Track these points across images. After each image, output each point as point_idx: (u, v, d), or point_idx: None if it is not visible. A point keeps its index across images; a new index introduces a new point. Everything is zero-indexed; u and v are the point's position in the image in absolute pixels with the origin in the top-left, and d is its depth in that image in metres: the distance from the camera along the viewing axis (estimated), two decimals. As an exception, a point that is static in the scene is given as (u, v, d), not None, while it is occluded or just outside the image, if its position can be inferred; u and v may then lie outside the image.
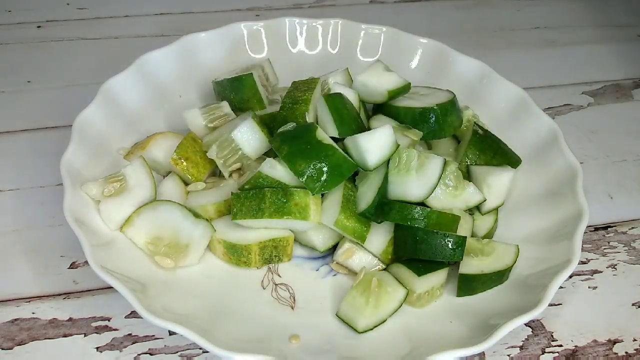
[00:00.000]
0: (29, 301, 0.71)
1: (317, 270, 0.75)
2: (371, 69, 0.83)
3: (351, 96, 0.79)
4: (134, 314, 0.70)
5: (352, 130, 0.74)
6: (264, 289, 0.72)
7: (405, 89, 0.82)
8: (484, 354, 0.69)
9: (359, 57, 0.98)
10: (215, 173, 0.81)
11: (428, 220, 0.70)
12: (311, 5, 1.19)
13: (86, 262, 0.72)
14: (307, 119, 0.76)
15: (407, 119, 0.79)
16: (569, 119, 0.99)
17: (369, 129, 0.78)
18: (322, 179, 0.70)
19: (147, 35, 1.09)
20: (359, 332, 0.68)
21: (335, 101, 0.75)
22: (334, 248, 0.76)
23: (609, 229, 0.84)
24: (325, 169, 0.70)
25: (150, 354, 0.67)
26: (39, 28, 1.09)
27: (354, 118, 0.76)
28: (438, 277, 0.71)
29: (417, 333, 0.68)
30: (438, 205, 0.73)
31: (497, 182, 0.76)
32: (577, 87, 1.06)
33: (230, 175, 0.78)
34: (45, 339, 0.68)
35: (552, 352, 0.70)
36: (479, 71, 0.92)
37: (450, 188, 0.74)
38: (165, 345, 0.68)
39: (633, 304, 0.75)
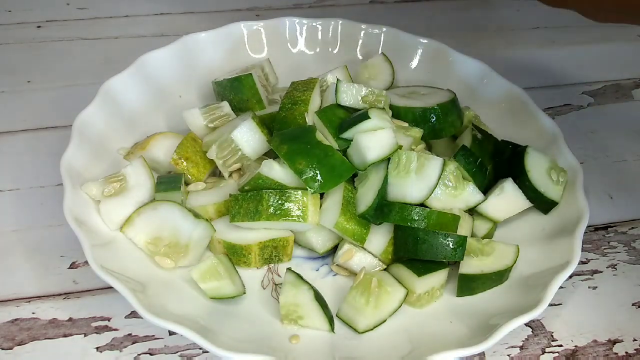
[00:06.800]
0: (29, 301, 0.71)
1: (317, 270, 0.75)
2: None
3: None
4: (134, 314, 0.70)
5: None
6: (264, 289, 0.72)
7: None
8: (484, 354, 0.69)
9: (359, 57, 0.97)
10: (215, 173, 0.81)
11: (428, 221, 0.70)
12: (311, 5, 1.19)
13: (86, 262, 0.72)
14: (307, 120, 0.76)
15: (407, 118, 0.79)
16: (569, 119, 0.99)
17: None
18: (322, 178, 0.70)
19: (147, 35, 1.09)
20: (360, 333, 0.68)
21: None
22: (333, 249, 0.76)
23: (609, 229, 0.84)
24: (325, 168, 0.70)
25: (150, 354, 0.67)
26: (39, 28, 1.09)
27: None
28: (438, 277, 0.71)
29: (417, 333, 0.68)
30: (438, 205, 0.73)
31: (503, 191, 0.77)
32: (577, 87, 1.05)
33: (230, 175, 0.78)
34: (45, 339, 0.68)
35: (552, 352, 0.70)
36: (479, 71, 0.92)
37: (450, 188, 0.74)
38: (165, 345, 0.68)
39: (633, 304, 0.75)
